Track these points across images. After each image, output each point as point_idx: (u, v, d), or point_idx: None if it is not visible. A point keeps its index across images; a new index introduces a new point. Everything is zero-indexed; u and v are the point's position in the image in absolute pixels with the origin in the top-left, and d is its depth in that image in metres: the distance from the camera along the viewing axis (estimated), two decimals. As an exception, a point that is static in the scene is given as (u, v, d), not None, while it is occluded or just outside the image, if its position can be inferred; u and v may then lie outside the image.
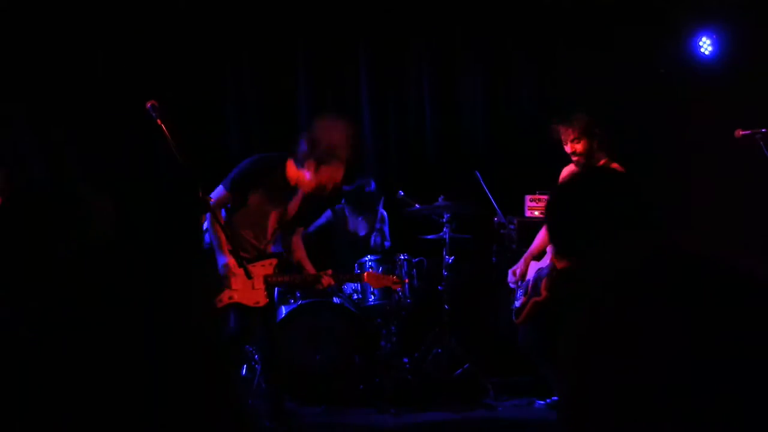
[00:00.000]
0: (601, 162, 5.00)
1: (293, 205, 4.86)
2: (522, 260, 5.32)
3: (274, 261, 4.81)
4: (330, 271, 4.86)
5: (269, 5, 6.98)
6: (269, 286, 4.76)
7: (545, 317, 4.98)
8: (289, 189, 4.76)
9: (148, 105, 4.29)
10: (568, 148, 5.05)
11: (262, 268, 4.71)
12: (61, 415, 1.17)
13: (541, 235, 5.34)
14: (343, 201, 6.49)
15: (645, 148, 6.67)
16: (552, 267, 4.93)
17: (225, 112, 7.12)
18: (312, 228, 6.58)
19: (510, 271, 5.32)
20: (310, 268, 4.94)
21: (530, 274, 5.20)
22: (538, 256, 5.27)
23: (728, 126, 5.20)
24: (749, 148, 5.06)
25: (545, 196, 6.38)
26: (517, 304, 5.21)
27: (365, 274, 5.27)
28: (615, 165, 4.95)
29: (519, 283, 5.27)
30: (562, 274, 4.83)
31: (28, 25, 6.31)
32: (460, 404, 5.47)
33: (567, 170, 5.21)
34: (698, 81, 6.80)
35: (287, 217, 4.86)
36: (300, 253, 4.99)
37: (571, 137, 5.01)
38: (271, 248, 4.89)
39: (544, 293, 4.97)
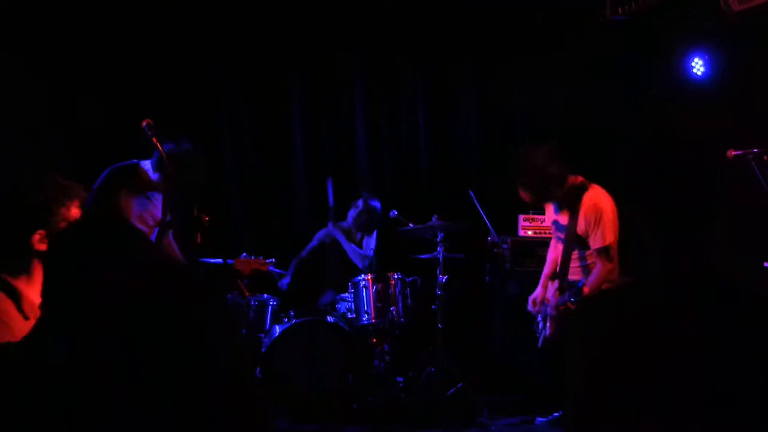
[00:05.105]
0: (577, 181, 4.94)
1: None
2: (539, 286, 5.25)
3: None
4: None
5: (264, 29, 7.03)
6: None
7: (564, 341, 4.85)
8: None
9: (144, 124, 4.35)
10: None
11: None
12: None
13: (551, 254, 5.31)
14: (350, 218, 6.50)
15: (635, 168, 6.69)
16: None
17: (220, 133, 7.16)
18: (305, 252, 6.61)
19: (530, 299, 5.23)
20: None
21: (548, 295, 5.09)
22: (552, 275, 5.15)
23: (720, 147, 5.22)
24: (742, 168, 5.08)
25: (538, 216, 6.42)
26: (539, 328, 5.13)
27: (236, 261, 5.12)
28: (594, 185, 4.92)
29: (539, 309, 5.16)
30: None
31: (28, 46, 6.33)
32: (453, 423, 5.47)
33: None
34: (690, 102, 6.84)
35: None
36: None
37: (532, 200, 5.06)
38: None
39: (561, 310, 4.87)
